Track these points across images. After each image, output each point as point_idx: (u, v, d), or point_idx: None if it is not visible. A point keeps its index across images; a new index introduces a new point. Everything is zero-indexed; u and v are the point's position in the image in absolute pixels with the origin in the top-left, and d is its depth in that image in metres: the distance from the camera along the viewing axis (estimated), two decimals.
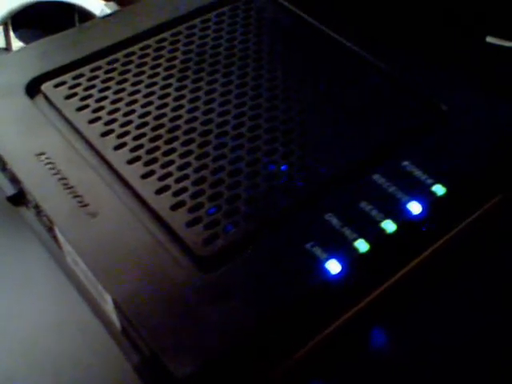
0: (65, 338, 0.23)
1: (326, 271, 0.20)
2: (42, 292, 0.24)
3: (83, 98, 0.26)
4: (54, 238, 0.24)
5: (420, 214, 0.22)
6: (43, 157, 0.23)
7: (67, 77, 0.27)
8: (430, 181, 0.23)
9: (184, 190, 0.22)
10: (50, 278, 0.25)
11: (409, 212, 0.22)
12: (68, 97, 0.26)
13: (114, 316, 0.21)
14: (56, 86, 0.26)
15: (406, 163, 0.23)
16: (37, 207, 0.24)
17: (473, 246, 0.24)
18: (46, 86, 0.26)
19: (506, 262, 0.24)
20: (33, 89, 0.26)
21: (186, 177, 0.23)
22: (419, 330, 0.23)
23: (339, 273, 0.20)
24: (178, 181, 0.23)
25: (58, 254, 0.24)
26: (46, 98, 0.26)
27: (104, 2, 0.34)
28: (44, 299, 0.24)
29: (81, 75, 0.27)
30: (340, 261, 0.20)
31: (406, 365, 0.22)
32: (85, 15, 0.36)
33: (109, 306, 0.21)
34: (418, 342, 0.22)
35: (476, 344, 0.22)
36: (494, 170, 0.24)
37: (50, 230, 0.24)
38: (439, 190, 0.23)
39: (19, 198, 0.25)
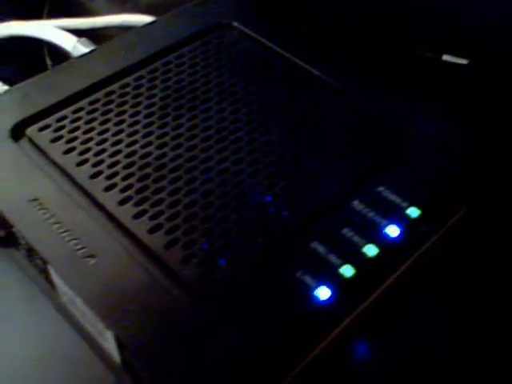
0: (57, 372, 0.24)
1: (316, 298, 0.22)
2: (32, 328, 0.25)
3: (69, 141, 0.26)
4: (47, 279, 0.24)
5: (398, 236, 0.24)
6: (36, 202, 0.24)
7: (51, 120, 0.27)
8: (404, 204, 0.25)
9: (176, 227, 0.23)
10: (41, 314, 0.26)
11: (387, 235, 0.24)
12: (54, 140, 0.27)
13: (114, 352, 0.22)
14: (40, 129, 0.27)
15: (381, 189, 0.25)
16: (29, 250, 0.25)
17: (442, 257, 0.26)
18: (31, 130, 0.27)
19: (472, 268, 0.26)
20: (17, 133, 0.27)
21: (177, 214, 0.24)
22: (400, 343, 0.24)
23: (329, 298, 0.22)
24: (169, 219, 0.24)
25: (51, 294, 0.25)
26: (32, 142, 0.27)
27: (76, 38, 0.34)
28: (35, 335, 0.25)
29: (64, 117, 0.27)
30: (329, 287, 0.22)
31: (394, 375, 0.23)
32: (56, 51, 0.36)
33: (109, 344, 0.22)
34: (403, 354, 0.24)
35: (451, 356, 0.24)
36: (458, 188, 0.26)
37: (43, 271, 0.24)
38: (413, 212, 0.24)
39: (8, 240, 0.26)
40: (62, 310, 0.25)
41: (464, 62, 0.36)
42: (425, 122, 0.28)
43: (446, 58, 0.36)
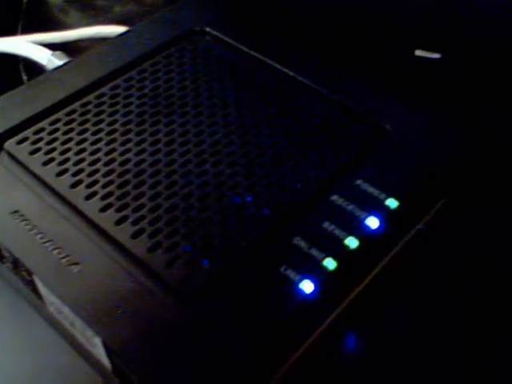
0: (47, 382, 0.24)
1: (301, 291, 0.22)
2: (20, 339, 0.25)
3: (47, 152, 0.26)
4: (34, 290, 0.25)
5: (378, 227, 0.24)
6: (17, 214, 0.24)
7: (28, 132, 0.27)
8: (382, 196, 0.25)
9: (158, 231, 0.24)
10: (29, 326, 0.26)
11: (368, 227, 0.24)
12: (32, 152, 0.27)
13: (104, 359, 0.23)
14: (19, 142, 0.27)
15: (359, 182, 0.25)
16: (14, 262, 0.25)
17: (424, 246, 0.27)
18: (9, 144, 0.27)
19: (455, 258, 0.27)
20: None
21: (158, 218, 0.24)
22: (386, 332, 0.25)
23: (313, 291, 0.22)
24: (151, 223, 0.24)
25: (38, 305, 0.25)
26: (11, 155, 0.27)
27: (51, 52, 0.34)
28: (24, 346, 0.25)
29: (42, 129, 0.28)
30: (312, 280, 0.22)
31: (379, 365, 0.24)
32: (31, 66, 0.36)
33: (99, 350, 0.22)
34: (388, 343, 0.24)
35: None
36: (437, 180, 0.26)
37: (29, 282, 0.24)
38: (392, 203, 0.25)
39: None
40: (50, 321, 0.25)
41: (437, 56, 0.36)
42: (400, 114, 0.28)
43: (418, 53, 0.37)
